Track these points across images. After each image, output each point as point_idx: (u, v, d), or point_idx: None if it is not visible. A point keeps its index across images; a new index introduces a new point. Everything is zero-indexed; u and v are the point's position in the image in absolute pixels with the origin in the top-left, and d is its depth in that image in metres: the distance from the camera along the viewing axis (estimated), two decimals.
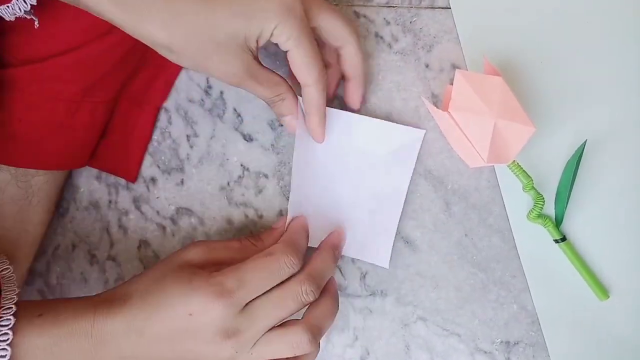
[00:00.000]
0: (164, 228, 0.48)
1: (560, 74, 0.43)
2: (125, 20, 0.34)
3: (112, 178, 0.48)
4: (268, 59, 0.45)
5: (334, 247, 0.42)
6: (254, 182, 0.46)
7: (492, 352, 0.44)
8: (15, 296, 0.36)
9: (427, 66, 0.45)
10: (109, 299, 0.37)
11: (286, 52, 0.38)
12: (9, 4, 0.35)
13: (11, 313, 0.34)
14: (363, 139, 0.43)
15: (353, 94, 0.43)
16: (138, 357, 0.37)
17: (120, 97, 0.46)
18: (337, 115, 0.43)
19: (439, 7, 0.45)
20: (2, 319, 0.34)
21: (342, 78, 0.43)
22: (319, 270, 0.39)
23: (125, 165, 0.48)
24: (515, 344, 0.44)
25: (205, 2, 0.35)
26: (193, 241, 0.42)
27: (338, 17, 0.39)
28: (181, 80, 0.47)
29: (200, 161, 0.47)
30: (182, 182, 0.47)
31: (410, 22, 0.45)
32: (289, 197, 0.46)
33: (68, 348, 0.35)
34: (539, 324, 0.43)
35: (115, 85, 0.44)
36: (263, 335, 0.37)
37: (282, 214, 0.46)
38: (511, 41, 0.43)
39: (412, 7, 0.45)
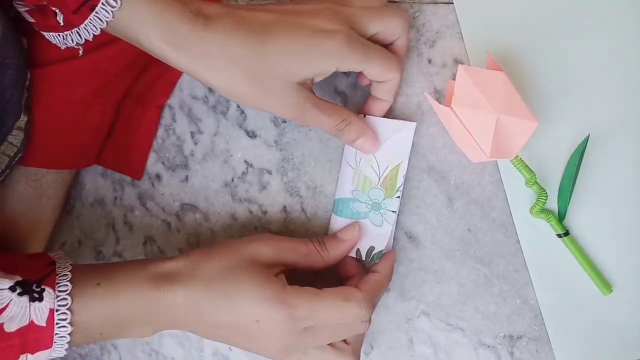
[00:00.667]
0: (169, 224, 0.48)
1: (563, 69, 0.43)
2: (186, 67, 0.36)
3: (118, 175, 0.48)
4: None
5: (391, 273, 0.43)
6: (257, 178, 0.47)
7: (495, 346, 0.44)
8: (69, 265, 0.37)
9: (429, 61, 0.45)
10: (168, 274, 0.38)
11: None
12: (60, 33, 0.36)
13: (67, 279, 0.36)
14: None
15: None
16: (192, 330, 0.39)
17: (125, 96, 0.46)
18: None
19: (442, 2, 0.45)
20: (60, 284, 0.35)
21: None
22: (377, 300, 0.41)
23: (131, 163, 0.48)
24: (518, 338, 0.44)
25: (261, 43, 0.36)
26: (261, 234, 0.42)
27: (388, 17, 0.40)
28: (185, 78, 0.47)
29: (204, 158, 0.47)
30: (186, 178, 0.48)
31: (413, 18, 0.45)
32: (292, 194, 0.46)
33: (126, 316, 0.37)
34: (542, 318, 0.43)
35: (123, 87, 0.45)
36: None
37: (285, 210, 0.46)
38: (514, 36, 0.43)
39: (414, 2, 0.45)
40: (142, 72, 0.46)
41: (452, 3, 0.44)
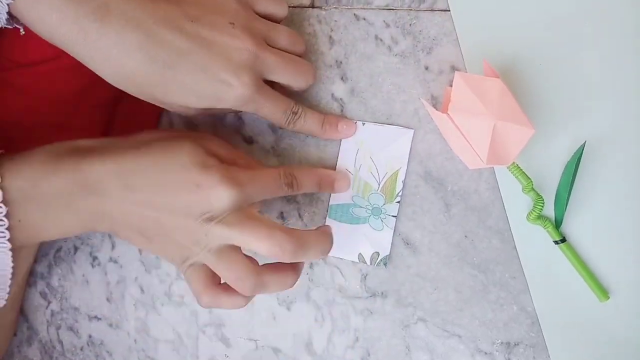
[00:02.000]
0: None
1: (559, 76, 0.43)
2: (80, 54, 0.35)
3: None
4: None
5: (325, 178, 0.43)
6: None
7: (492, 353, 0.44)
8: None
9: (426, 68, 0.45)
10: (98, 147, 0.36)
11: None
12: None
13: None
14: (354, 142, 0.45)
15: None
16: (114, 216, 0.36)
17: (121, 100, 0.46)
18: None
19: (439, 10, 0.45)
20: None
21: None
22: (304, 182, 0.41)
23: None
24: (515, 345, 0.44)
25: (161, 75, 0.36)
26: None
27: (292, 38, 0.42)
28: None
29: None
30: None
31: (410, 25, 0.45)
32: (288, 200, 0.46)
33: (47, 189, 0.34)
34: (539, 325, 0.43)
35: (112, 88, 0.44)
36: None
37: (282, 216, 0.46)
38: (510, 43, 0.44)
39: (411, 9, 0.45)
40: None
41: (449, 10, 0.45)
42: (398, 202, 0.43)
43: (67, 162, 0.35)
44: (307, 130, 0.43)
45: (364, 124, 0.44)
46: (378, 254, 0.44)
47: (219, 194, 0.35)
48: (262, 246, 0.35)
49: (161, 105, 0.39)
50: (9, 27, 0.36)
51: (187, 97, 0.37)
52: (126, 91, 0.37)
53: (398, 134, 0.43)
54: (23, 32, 0.37)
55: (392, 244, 0.45)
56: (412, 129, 0.43)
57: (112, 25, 0.34)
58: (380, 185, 0.44)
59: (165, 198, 0.35)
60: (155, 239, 0.36)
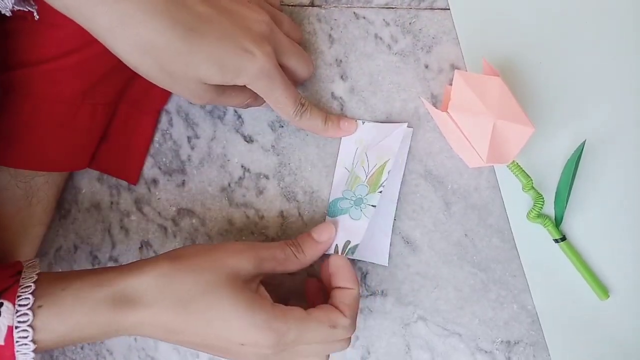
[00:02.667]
0: (165, 229, 0.48)
1: (559, 74, 0.43)
2: (99, 32, 0.34)
3: (114, 180, 0.48)
4: None
5: (353, 276, 0.41)
6: (254, 183, 0.47)
7: (492, 351, 0.44)
8: (35, 275, 0.35)
9: (426, 67, 0.45)
10: (133, 296, 0.35)
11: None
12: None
13: (30, 291, 0.33)
14: (354, 141, 0.45)
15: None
16: (164, 341, 0.37)
17: (121, 101, 0.46)
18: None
19: (438, 8, 0.45)
20: (21, 297, 0.33)
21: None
22: (356, 312, 0.40)
23: (127, 168, 0.48)
24: (515, 343, 0.44)
25: (184, 40, 0.34)
26: (235, 244, 0.39)
27: (304, 61, 0.42)
28: None
29: (201, 162, 0.47)
30: (183, 183, 0.47)
31: (410, 23, 0.45)
32: (288, 198, 0.46)
33: (85, 336, 0.35)
34: (539, 324, 0.43)
35: (115, 87, 0.44)
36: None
37: (282, 214, 0.46)
38: (510, 41, 0.44)
39: (411, 8, 0.45)
40: (135, 74, 0.45)
41: (449, 9, 0.45)
42: (380, 192, 0.43)
43: (106, 315, 0.34)
44: (311, 125, 0.43)
45: (363, 122, 0.44)
46: (349, 242, 0.43)
47: (262, 351, 0.36)
48: None
49: (171, 89, 0.37)
50: (22, 9, 0.35)
51: (210, 67, 0.35)
52: (142, 70, 0.36)
53: (392, 129, 0.44)
54: (37, 17, 0.37)
55: (391, 242, 0.45)
56: (406, 122, 0.44)
57: None
58: (368, 177, 0.44)
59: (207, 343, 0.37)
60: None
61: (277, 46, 0.39)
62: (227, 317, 0.35)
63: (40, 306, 0.33)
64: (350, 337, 0.39)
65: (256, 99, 0.41)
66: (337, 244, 0.43)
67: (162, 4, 0.33)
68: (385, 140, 0.44)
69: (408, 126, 0.44)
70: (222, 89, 0.38)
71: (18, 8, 0.36)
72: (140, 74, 0.37)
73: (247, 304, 0.36)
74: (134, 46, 0.34)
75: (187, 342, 0.37)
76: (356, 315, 0.39)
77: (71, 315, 0.34)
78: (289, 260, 0.40)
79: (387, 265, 0.44)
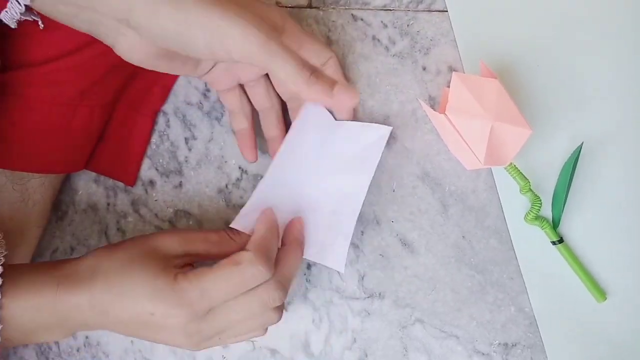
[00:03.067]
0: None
1: (556, 76, 0.43)
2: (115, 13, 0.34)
3: (111, 181, 0.48)
4: None
5: (299, 242, 0.41)
6: (252, 185, 0.47)
7: (490, 354, 0.44)
8: (2, 258, 0.36)
9: (424, 69, 0.45)
10: (72, 274, 0.37)
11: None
12: (6, 9, 0.35)
13: None
14: (332, 141, 0.43)
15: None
16: (104, 329, 0.38)
17: (118, 102, 0.46)
18: (313, 118, 0.42)
19: (436, 10, 0.45)
20: None
21: None
22: (289, 275, 0.39)
23: (124, 169, 0.48)
24: (513, 345, 0.44)
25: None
26: (170, 229, 0.40)
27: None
28: (179, 84, 0.47)
29: (198, 164, 0.47)
30: (180, 184, 0.47)
31: (408, 25, 0.45)
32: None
33: (31, 320, 0.36)
34: (537, 326, 0.43)
35: (111, 88, 0.44)
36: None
37: None
38: (508, 44, 0.44)
39: (409, 10, 0.45)
40: (134, 75, 0.45)
41: (447, 11, 0.45)
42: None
43: (48, 296, 0.36)
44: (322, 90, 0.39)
45: (339, 123, 0.43)
46: None
47: (174, 319, 0.36)
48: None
49: (189, 55, 0.36)
50: (27, 19, 0.36)
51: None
52: (162, 42, 0.35)
53: (372, 132, 0.42)
54: (42, 26, 0.37)
55: (388, 244, 0.45)
56: (391, 126, 0.42)
57: None
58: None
59: (139, 323, 0.37)
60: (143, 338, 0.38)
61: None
62: (134, 285, 0.36)
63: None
64: (276, 285, 0.37)
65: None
66: None
67: None
68: (362, 147, 0.42)
69: (411, 128, 0.43)
70: None
71: (24, 19, 0.36)
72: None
73: (155, 271, 0.36)
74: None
75: (117, 323, 0.37)
76: (268, 250, 0.38)
77: (21, 297, 0.35)
78: (224, 241, 0.40)
79: (342, 272, 0.43)
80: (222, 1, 0.34)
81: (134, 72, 0.45)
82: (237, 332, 0.39)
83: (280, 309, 0.39)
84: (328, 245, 0.42)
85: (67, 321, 0.36)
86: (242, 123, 0.44)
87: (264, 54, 0.34)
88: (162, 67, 0.38)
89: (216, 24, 0.34)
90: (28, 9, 0.35)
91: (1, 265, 0.36)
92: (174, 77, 0.47)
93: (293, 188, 0.43)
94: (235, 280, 0.36)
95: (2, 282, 0.35)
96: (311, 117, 0.42)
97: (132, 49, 0.36)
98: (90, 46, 0.41)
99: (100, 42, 0.40)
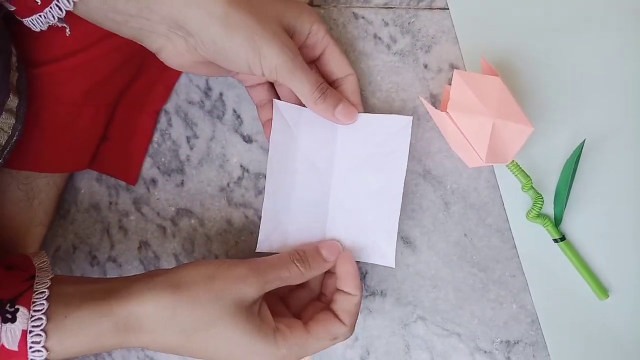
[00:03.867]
0: (164, 229, 0.48)
1: (558, 74, 0.43)
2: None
3: (113, 180, 0.48)
4: None
5: (358, 282, 0.40)
6: (253, 183, 0.47)
7: (492, 351, 0.44)
8: (48, 280, 0.35)
9: (425, 67, 0.45)
10: (138, 324, 0.35)
11: (320, 52, 0.41)
12: (41, 13, 0.36)
13: (44, 298, 0.34)
14: (351, 137, 0.42)
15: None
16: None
17: (120, 101, 0.46)
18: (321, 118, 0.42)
19: (437, 8, 0.45)
20: (36, 304, 0.33)
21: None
22: (356, 319, 0.40)
23: (126, 168, 0.48)
24: (515, 343, 0.44)
25: None
26: (239, 266, 0.37)
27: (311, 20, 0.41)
28: (181, 83, 0.47)
29: (200, 162, 0.47)
30: (182, 183, 0.47)
31: (409, 23, 0.45)
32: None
33: (90, 349, 0.35)
34: (539, 324, 0.43)
35: (116, 88, 0.44)
36: None
37: None
38: (509, 41, 0.44)
39: (410, 8, 0.45)
40: (136, 74, 0.45)
41: (448, 9, 0.44)
42: None
43: (112, 338, 0.35)
44: (337, 100, 0.41)
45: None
46: None
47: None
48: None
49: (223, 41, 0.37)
50: (58, 24, 0.37)
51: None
52: (208, 53, 0.37)
53: (393, 124, 0.42)
54: (69, 33, 0.38)
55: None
56: (410, 116, 0.42)
57: None
58: None
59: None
60: None
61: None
62: (229, 348, 0.36)
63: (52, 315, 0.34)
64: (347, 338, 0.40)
65: (328, 88, 0.41)
66: None
67: None
68: (390, 136, 0.41)
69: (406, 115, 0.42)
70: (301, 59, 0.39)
71: (57, 25, 0.37)
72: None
73: (250, 333, 0.36)
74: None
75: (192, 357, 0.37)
76: (356, 320, 0.39)
77: (75, 342, 0.34)
78: (294, 277, 0.39)
79: (394, 267, 0.42)
80: (262, 17, 0.36)
81: (137, 72, 0.45)
82: None
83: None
84: (373, 244, 0.42)
85: (128, 348, 0.36)
86: (270, 114, 0.43)
87: (287, 75, 0.38)
88: (200, 71, 0.40)
89: (256, 45, 0.36)
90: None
91: (47, 288, 0.34)
92: (176, 76, 0.47)
93: (313, 192, 0.43)
94: (328, 345, 0.38)
95: (47, 322, 0.33)
96: (286, 114, 0.42)
97: (177, 56, 0.38)
98: (95, 46, 0.41)
99: (105, 43, 0.40)
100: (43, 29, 0.37)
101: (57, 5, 0.35)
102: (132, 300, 0.35)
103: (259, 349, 0.36)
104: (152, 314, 0.35)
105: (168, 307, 0.35)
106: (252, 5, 0.36)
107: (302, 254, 0.39)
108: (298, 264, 0.39)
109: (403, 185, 0.41)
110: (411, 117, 0.41)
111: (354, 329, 0.39)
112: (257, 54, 0.36)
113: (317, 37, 0.40)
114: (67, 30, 0.38)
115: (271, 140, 0.41)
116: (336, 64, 0.42)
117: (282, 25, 0.38)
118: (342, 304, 0.39)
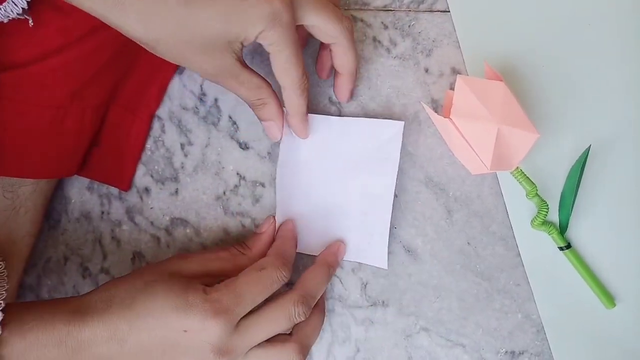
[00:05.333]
0: (158, 239, 0.46)
1: (563, 79, 0.42)
2: (105, 13, 0.33)
3: (104, 188, 0.47)
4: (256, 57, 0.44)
5: (330, 265, 0.42)
6: (250, 191, 0.45)
7: None
8: (4, 292, 0.35)
9: (426, 71, 0.44)
10: (84, 307, 0.36)
11: (269, 54, 0.37)
12: (0, 6, 0.34)
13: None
14: (345, 140, 0.43)
15: (341, 88, 0.42)
16: None
17: (111, 104, 0.44)
18: (316, 120, 0.42)
19: (438, 11, 0.44)
20: None
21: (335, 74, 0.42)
22: (312, 291, 0.40)
23: (118, 173, 0.46)
24: (520, 353, 0.43)
25: (186, 1, 0.34)
26: (179, 253, 0.41)
27: (329, 15, 0.38)
28: (174, 88, 0.46)
29: (195, 170, 0.46)
30: (176, 191, 0.46)
31: (409, 26, 0.44)
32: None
33: (37, 358, 0.34)
34: (545, 333, 0.42)
35: (104, 88, 0.43)
36: (252, 349, 0.37)
37: None
38: (512, 45, 0.43)
39: (410, 10, 0.44)
40: (126, 73, 0.44)
41: (449, 12, 0.43)
42: None
43: (61, 331, 0.35)
44: (303, 108, 0.40)
45: (348, 120, 0.43)
46: None
47: (209, 331, 0.35)
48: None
49: (181, 60, 0.36)
50: (20, 17, 0.36)
51: (215, 24, 0.34)
52: (150, 44, 0.35)
53: (386, 128, 0.42)
54: (32, 23, 0.36)
55: (392, 251, 0.43)
56: (402, 121, 0.42)
57: None
58: None
59: (162, 348, 0.36)
60: None
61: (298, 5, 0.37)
62: (162, 303, 0.35)
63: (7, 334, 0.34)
64: (299, 302, 0.38)
65: (265, 104, 0.40)
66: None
67: None
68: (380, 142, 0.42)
69: (412, 129, 0.42)
70: (239, 68, 0.37)
71: (18, 17, 0.35)
72: (154, 51, 0.36)
73: (182, 287, 0.36)
74: (137, 21, 0.34)
75: (137, 352, 0.35)
76: (287, 254, 0.41)
77: (25, 333, 0.34)
78: (236, 257, 0.41)
79: (386, 267, 0.43)
80: None
81: (126, 72, 0.44)
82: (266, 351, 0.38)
83: (304, 354, 0.39)
84: (366, 245, 0.43)
85: (77, 357, 0.35)
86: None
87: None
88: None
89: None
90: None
91: (2, 299, 0.34)
92: (169, 78, 0.46)
93: (314, 192, 0.44)
94: (263, 283, 0.38)
95: (3, 317, 0.33)
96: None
97: None
98: (78, 44, 0.39)
99: (88, 40, 0.39)
100: (4, 20, 0.35)
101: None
102: (86, 293, 0.38)
103: (191, 299, 0.36)
104: (99, 296, 0.37)
105: (112, 285, 0.37)
106: None
107: (239, 242, 0.43)
108: (235, 246, 0.42)
109: (394, 190, 0.42)
110: (403, 123, 0.41)
111: (286, 265, 0.39)
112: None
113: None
114: (30, 21, 0.36)
115: (281, 145, 0.43)
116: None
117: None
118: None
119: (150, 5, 0.33)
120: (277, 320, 0.37)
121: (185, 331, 0.35)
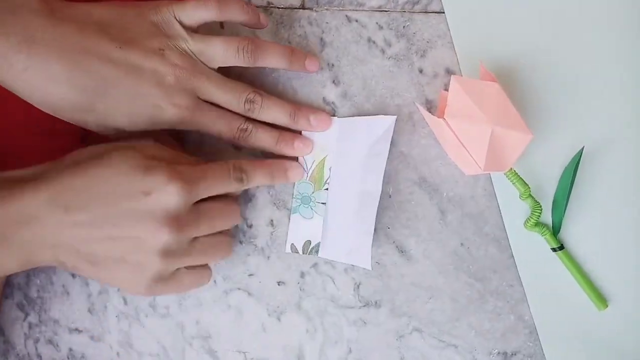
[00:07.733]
0: None
1: (557, 80, 0.42)
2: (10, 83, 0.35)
3: None
4: None
5: (273, 176, 0.42)
6: (243, 191, 0.45)
7: None
8: None
9: (420, 71, 0.44)
10: (29, 176, 0.35)
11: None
12: None
13: None
14: (339, 139, 0.43)
15: (303, 69, 0.43)
16: (55, 244, 0.34)
17: None
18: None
19: (433, 12, 0.44)
20: None
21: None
22: (251, 173, 0.40)
23: None
24: (513, 354, 0.43)
25: (94, 99, 0.36)
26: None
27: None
28: None
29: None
30: None
31: (404, 27, 0.44)
32: (278, 206, 0.45)
33: None
34: (537, 335, 0.42)
35: None
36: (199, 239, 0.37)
37: (272, 223, 0.45)
38: (507, 46, 0.43)
39: (405, 11, 0.44)
40: None
41: (444, 13, 0.44)
42: (326, 189, 0.43)
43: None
44: (260, 146, 0.42)
45: (341, 120, 0.43)
46: (310, 242, 0.43)
47: (170, 194, 0.34)
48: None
49: (96, 130, 0.38)
50: None
51: (120, 121, 0.37)
52: (58, 117, 0.37)
53: (377, 125, 0.43)
54: None
55: (385, 252, 0.43)
56: (394, 115, 0.42)
57: (38, 56, 0.33)
58: (309, 174, 0.43)
59: (111, 213, 0.33)
60: (105, 264, 0.34)
61: (198, 88, 0.38)
62: (123, 164, 0.34)
63: None
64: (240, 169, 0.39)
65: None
66: (293, 243, 0.44)
67: (68, 70, 0.34)
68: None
69: (408, 130, 0.43)
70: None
71: None
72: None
73: (143, 154, 0.36)
74: (45, 103, 0.35)
75: (81, 224, 0.34)
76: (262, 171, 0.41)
77: None
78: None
79: (370, 268, 0.42)
80: None
81: None
82: (209, 242, 0.38)
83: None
84: (356, 245, 0.43)
85: (15, 229, 0.33)
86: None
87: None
88: None
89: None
90: None
91: None
92: None
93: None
94: (228, 177, 0.39)
95: None
96: None
97: None
98: None
99: None
100: None
101: None
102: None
103: (155, 163, 0.35)
104: (45, 166, 0.36)
105: (62, 158, 0.37)
106: None
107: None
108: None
109: (381, 186, 0.42)
110: (395, 117, 0.42)
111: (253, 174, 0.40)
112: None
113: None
114: None
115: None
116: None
117: None
118: None
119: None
120: (227, 213, 0.39)
121: (146, 193, 0.34)
